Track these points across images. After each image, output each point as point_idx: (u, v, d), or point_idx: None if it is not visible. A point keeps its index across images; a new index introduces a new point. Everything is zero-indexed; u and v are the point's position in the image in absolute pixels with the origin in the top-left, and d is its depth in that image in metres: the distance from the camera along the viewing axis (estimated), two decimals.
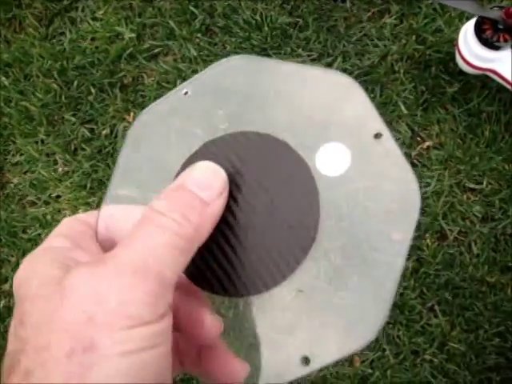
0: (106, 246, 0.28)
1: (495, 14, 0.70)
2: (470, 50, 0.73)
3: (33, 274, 0.24)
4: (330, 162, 0.27)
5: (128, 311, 0.22)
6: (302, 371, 0.26)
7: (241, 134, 0.28)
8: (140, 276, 0.23)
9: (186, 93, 0.30)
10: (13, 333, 0.23)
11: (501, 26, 0.70)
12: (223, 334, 0.27)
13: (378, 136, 0.27)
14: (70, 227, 0.28)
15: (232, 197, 0.28)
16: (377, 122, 0.27)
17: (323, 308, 0.26)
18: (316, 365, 0.26)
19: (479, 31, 0.72)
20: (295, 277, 0.27)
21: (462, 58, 0.75)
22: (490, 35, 0.71)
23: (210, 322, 0.26)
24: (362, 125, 0.27)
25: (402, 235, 0.26)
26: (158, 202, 0.25)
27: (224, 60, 0.30)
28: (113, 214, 0.29)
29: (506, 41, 0.71)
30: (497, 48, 0.71)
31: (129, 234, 0.25)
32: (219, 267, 0.27)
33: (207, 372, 0.27)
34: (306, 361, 0.26)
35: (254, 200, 0.27)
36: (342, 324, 0.26)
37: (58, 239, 0.27)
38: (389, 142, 0.27)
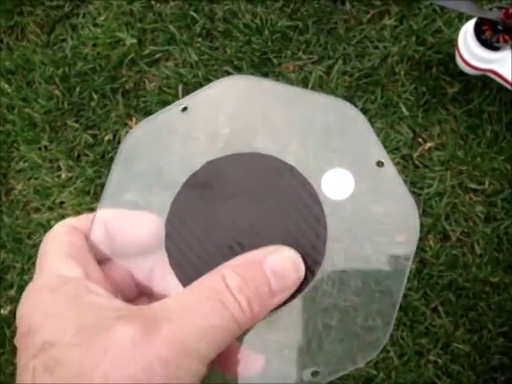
0: (104, 252, 0.28)
1: (494, 14, 0.70)
2: (470, 50, 0.73)
3: (59, 316, 0.24)
4: (334, 187, 0.28)
5: None
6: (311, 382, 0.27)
7: (245, 154, 0.28)
8: (189, 355, 0.23)
9: (184, 108, 0.29)
10: (31, 376, 0.22)
11: (500, 27, 0.70)
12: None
13: (380, 164, 0.28)
14: (74, 246, 0.27)
15: (240, 218, 0.28)
16: (379, 151, 0.28)
17: (331, 324, 0.27)
18: (324, 378, 0.27)
19: (479, 32, 0.72)
20: (305, 295, 0.27)
21: (462, 58, 0.75)
22: (490, 36, 0.71)
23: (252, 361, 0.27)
24: (365, 153, 0.28)
25: (404, 258, 0.27)
26: (230, 274, 0.25)
27: (224, 79, 0.29)
28: (112, 218, 0.28)
29: (505, 41, 0.71)
30: (496, 49, 0.71)
31: (187, 295, 0.24)
32: None
33: (224, 365, 0.28)
34: (315, 373, 0.27)
35: (261, 221, 0.28)
36: (349, 340, 0.27)
37: (68, 268, 0.26)
38: (390, 169, 0.28)
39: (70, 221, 0.28)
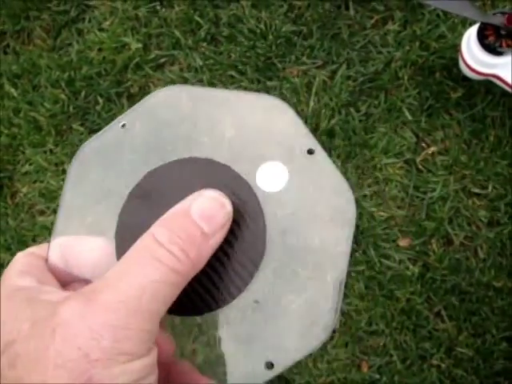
0: (63, 276, 0.28)
1: (497, 19, 0.70)
2: (473, 55, 0.74)
3: (15, 317, 0.24)
4: (269, 179, 0.29)
5: (122, 348, 0.22)
6: (268, 375, 0.27)
7: (182, 160, 0.29)
8: (134, 314, 0.23)
9: (123, 125, 0.30)
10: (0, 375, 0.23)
11: (503, 32, 0.71)
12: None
13: (311, 152, 0.29)
14: (29, 264, 0.28)
15: None
16: (309, 139, 0.29)
17: (278, 314, 0.28)
18: (279, 368, 0.27)
19: (482, 37, 0.72)
20: (250, 289, 0.28)
21: (465, 63, 0.75)
22: (493, 41, 0.72)
23: (162, 343, 0.27)
24: (296, 143, 0.29)
25: (344, 240, 0.28)
26: (159, 230, 0.25)
27: (157, 91, 0.31)
28: (67, 245, 0.29)
29: (508, 46, 0.71)
30: (499, 54, 0.72)
31: (123, 261, 0.25)
32: None
33: None
34: (269, 365, 0.27)
35: None
36: (296, 328, 0.28)
37: (22, 279, 0.27)
38: (321, 156, 0.29)
39: (31, 249, 0.29)
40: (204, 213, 0.26)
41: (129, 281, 0.24)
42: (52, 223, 0.83)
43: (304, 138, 0.29)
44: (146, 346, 0.23)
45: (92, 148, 0.30)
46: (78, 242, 0.29)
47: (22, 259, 0.28)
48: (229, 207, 0.27)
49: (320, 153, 0.29)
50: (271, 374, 0.27)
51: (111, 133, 0.30)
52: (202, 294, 0.28)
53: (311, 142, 0.29)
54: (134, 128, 0.30)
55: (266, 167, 0.29)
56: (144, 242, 0.25)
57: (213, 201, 0.27)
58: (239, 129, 0.30)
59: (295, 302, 0.28)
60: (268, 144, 0.29)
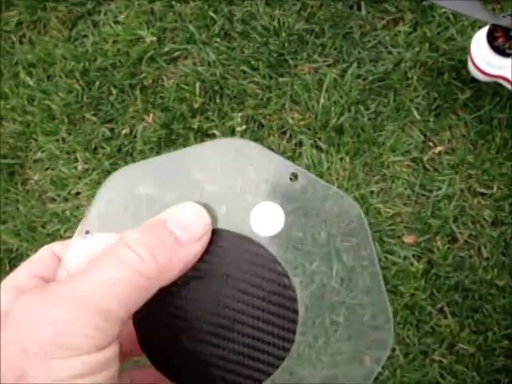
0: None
1: (507, 22, 0.72)
2: (482, 56, 0.75)
3: None
4: (265, 222, 0.28)
5: (64, 342, 0.22)
6: None
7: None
8: (80, 309, 0.22)
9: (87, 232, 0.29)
10: None
11: None
12: None
13: (293, 178, 0.28)
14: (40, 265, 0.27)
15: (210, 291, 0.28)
16: (287, 166, 0.28)
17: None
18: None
19: (491, 39, 0.74)
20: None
21: (474, 64, 0.77)
22: (502, 43, 0.73)
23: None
24: (276, 173, 0.28)
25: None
26: (129, 233, 0.25)
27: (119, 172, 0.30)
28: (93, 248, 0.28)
29: None
30: (508, 55, 0.73)
31: (90, 261, 0.24)
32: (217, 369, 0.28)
33: None
34: None
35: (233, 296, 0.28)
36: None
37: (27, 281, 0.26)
38: (306, 177, 0.28)
39: (55, 245, 0.29)
40: (180, 222, 0.26)
41: (84, 277, 0.23)
42: (62, 211, 0.85)
43: (282, 166, 0.28)
44: (93, 343, 0.22)
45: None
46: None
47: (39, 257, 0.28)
48: (205, 218, 0.26)
49: (302, 174, 0.28)
50: None
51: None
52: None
53: (290, 167, 0.28)
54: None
55: (259, 211, 0.28)
56: (112, 246, 0.24)
57: (189, 211, 0.26)
58: (216, 179, 0.29)
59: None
60: (250, 184, 0.28)
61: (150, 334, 0.28)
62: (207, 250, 0.27)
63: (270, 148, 0.80)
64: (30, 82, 0.89)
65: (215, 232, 0.28)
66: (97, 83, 0.88)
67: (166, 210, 0.27)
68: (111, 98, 0.87)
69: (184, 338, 0.27)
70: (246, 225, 0.28)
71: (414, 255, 0.80)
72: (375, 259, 0.29)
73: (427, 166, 0.82)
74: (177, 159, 0.29)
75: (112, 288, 0.23)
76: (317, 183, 0.28)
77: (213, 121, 0.85)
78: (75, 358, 0.22)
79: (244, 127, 0.84)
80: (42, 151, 0.88)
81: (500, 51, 0.73)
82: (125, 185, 0.29)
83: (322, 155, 0.82)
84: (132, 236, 0.25)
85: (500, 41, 0.73)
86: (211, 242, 0.27)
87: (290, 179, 0.28)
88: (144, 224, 0.26)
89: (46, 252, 0.28)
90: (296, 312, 0.28)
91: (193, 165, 0.29)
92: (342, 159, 0.82)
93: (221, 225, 0.28)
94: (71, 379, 0.22)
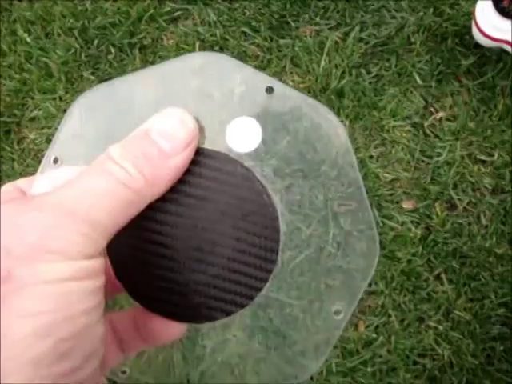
0: None
1: None
2: (487, 20, 0.74)
3: None
4: (241, 137, 0.27)
5: (50, 246, 0.21)
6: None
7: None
8: (67, 215, 0.22)
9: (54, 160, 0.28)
10: None
11: None
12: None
13: (269, 90, 0.27)
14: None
15: (191, 214, 0.26)
16: (264, 80, 0.27)
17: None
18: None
19: (497, 1, 0.73)
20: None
21: (479, 28, 0.76)
22: (508, 4, 0.72)
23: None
24: (252, 88, 0.27)
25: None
26: (113, 148, 0.24)
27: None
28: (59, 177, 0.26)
29: None
30: None
31: (74, 177, 0.23)
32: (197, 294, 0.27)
33: (146, 337, 0.27)
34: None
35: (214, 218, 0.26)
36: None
37: None
38: (282, 89, 0.27)
39: (19, 181, 0.28)
40: (163, 131, 0.24)
41: (70, 187, 0.23)
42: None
43: (259, 80, 0.27)
44: (80, 250, 0.21)
45: (101, 96, 0.29)
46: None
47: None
48: (191, 124, 0.25)
49: (278, 86, 0.27)
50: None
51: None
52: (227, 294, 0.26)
53: (268, 81, 0.27)
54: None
55: (234, 128, 0.27)
56: (98, 159, 0.24)
57: (173, 118, 0.25)
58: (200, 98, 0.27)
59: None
60: (229, 102, 0.27)
61: (125, 262, 0.26)
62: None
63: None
64: (28, 40, 0.88)
65: None
66: (95, 42, 0.86)
67: (152, 118, 0.25)
68: (110, 57, 0.86)
69: (162, 264, 0.26)
70: (222, 141, 0.27)
71: (412, 221, 0.79)
72: (372, 223, 0.28)
73: (428, 131, 0.81)
74: (145, 76, 0.28)
75: (100, 199, 0.22)
76: (292, 93, 0.27)
77: None
78: (59, 262, 0.21)
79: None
80: (39, 109, 0.87)
81: (505, 13, 0.72)
82: (91, 109, 0.28)
83: None
84: (116, 150, 0.24)
85: (505, 2, 0.72)
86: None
87: (267, 91, 0.27)
88: (128, 136, 0.24)
89: (10, 186, 0.27)
90: (277, 231, 0.26)
91: (164, 81, 0.28)
92: (341, 122, 0.81)
93: None
94: (59, 282, 0.21)
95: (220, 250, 0.26)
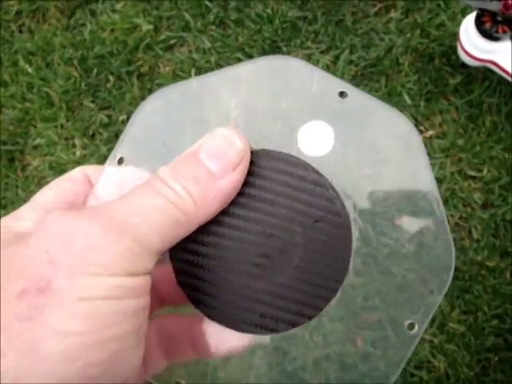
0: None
1: (494, 6, 0.74)
2: (471, 41, 0.77)
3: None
4: (313, 141, 0.27)
5: (94, 258, 0.21)
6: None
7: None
8: (115, 228, 0.21)
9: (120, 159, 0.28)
10: None
11: (500, 18, 0.74)
12: None
13: (343, 95, 0.27)
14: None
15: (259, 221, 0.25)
16: (337, 83, 0.27)
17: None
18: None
19: (479, 23, 0.75)
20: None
21: (463, 49, 0.78)
22: (490, 27, 0.75)
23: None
24: (325, 92, 0.27)
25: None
26: (163, 169, 0.24)
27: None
28: (124, 179, 0.27)
29: (504, 32, 0.74)
30: (496, 39, 0.75)
31: (124, 194, 0.23)
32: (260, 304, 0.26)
33: (200, 347, 0.26)
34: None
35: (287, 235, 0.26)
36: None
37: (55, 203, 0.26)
38: (356, 94, 0.27)
39: (88, 168, 0.28)
40: (211, 152, 0.24)
41: (123, 200, 0.23)
42: None
43: (333, 84, 0.27)
44: (123, 265, 0.21)
45: (172, 97, 0.28)
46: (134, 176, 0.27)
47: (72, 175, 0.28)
48: (239, 144, 0.24)
49: (353, 92, 0.26)
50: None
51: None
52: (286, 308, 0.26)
53: (340, 85, 0.27)
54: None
55: (307, 130, 0.26)
56: (149, 179, 0.24)
57: (221, 138, 0.24)
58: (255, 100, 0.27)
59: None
60: (302, 106, 0.27)
61: (187, 267, 0.26)
62: (251, 172, 0.25)
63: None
64: (29, 70, 0.91)
65: (260, 153, 0.26)
66: (95, 70, 0.89)
67: (200, 141, 0.25)
68: (109, 85, 0.89)
69: (225, 271, 0.25)
70: (293, 145, 0.26)
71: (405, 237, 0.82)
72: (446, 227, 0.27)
73: None
74: (220, 77, 0.27)
75: (149, 216, 0.22)
76: (367, 99, 0.27)
77: None
78: (102, 276, 0.20)
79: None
80: (41, 137, 0.89)
81: (487, 35, 0.75)
82: (159, 110, 0.28)
83: None
84: (166, 171, 0.24)
85: (487, 25, 0.75)
86: (255, 164, 0.25)
87: (340, 95, 0.27)
88: (176, 158, 0.24)
89: (78, 173, 0.27)
90: (349, 239, 0.26)
91: (239, 83, 0.27)
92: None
93: (266, 146, 0.26)
94: (97, 299, 0.20)
95: (287, 258, 0.25)
